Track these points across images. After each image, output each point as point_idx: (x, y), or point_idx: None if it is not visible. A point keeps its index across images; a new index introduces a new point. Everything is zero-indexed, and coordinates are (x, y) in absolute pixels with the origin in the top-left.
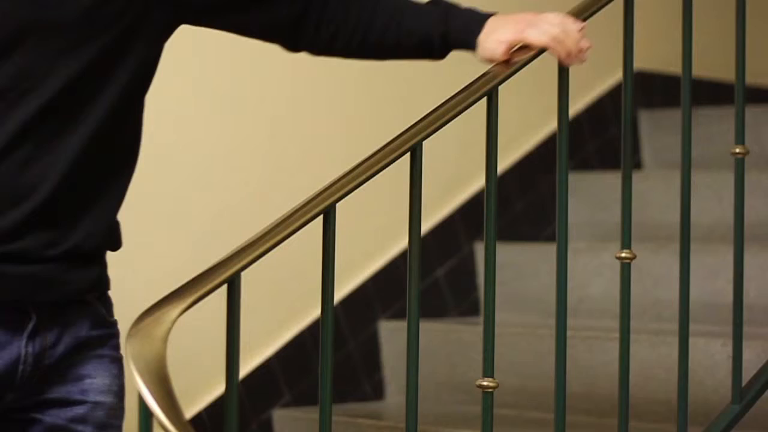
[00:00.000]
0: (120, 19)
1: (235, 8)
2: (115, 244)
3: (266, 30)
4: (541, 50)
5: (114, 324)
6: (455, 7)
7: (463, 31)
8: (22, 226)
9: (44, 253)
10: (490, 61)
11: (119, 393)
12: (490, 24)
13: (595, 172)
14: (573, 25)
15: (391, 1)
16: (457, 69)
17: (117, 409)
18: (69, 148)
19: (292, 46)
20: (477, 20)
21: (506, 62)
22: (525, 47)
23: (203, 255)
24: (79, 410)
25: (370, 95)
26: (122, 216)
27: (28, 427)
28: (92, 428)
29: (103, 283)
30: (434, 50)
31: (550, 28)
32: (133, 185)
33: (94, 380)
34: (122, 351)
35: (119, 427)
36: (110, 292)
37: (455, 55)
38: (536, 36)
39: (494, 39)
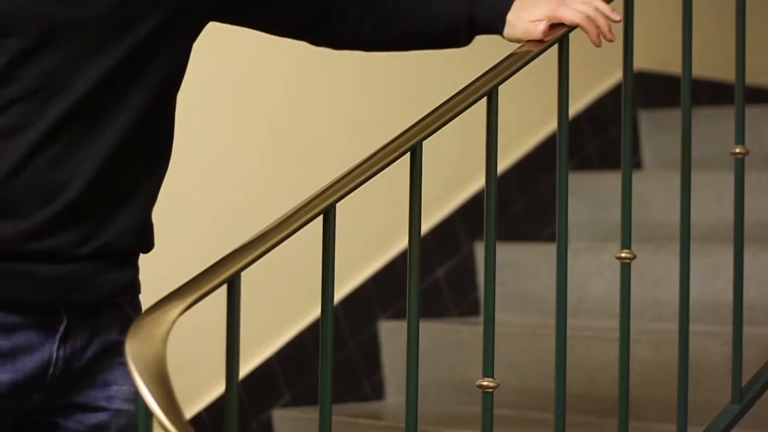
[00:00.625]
0: (147, 17)
1: (260, 5)
2: (148, 245)
3: (293, 26)
4: (572, 29)
5: None
6: None
7: (491, 11)
8: (54, 223)
9: (76, 251)
10: (521, 40)
11: None
12: (518, 4)
13: (595, 172)
14: (602, 3)
15: None
16: (457, 69)
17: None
18: (100, 146)
19: (318, 40)
20: (505, 2)
21: (540, 41)
22: (555, 26)
23: (203, 255)
24: (102, 417)
25: (370, 95)
26: None
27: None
28: None
29: (135, 286)
30: (461, 34)
31: (582, 6)
32: None
33: (121, 387)
34: None
35: None
36: None
37: (455, 55)
38: (570, 14)
39: (526, 18)
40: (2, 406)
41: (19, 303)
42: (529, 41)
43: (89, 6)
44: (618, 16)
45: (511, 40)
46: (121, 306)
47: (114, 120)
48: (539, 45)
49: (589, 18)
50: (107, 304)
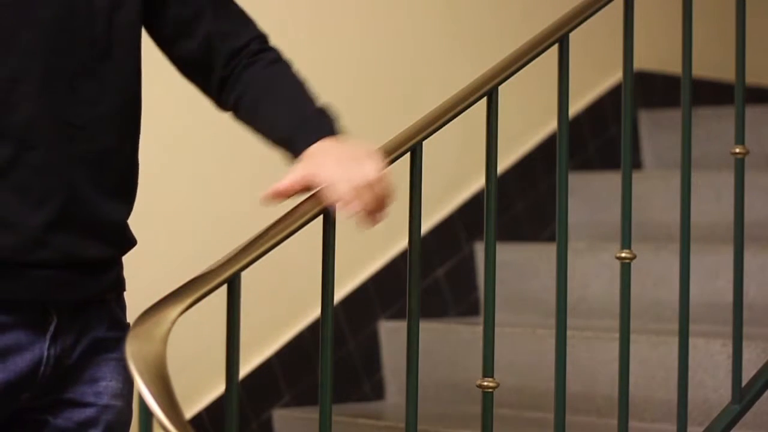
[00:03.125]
0: (104, 12)
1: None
2: (131, 242)
3: (184, 68)
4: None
5: (128, 327)
6: (313, 120)
7: (298, 148)
8: (41, 234)
9: (66, 260)
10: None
11: (129, 397)
12: (319, 146)
13: (595, 172)
14: (371, 192)
15: (271, 90)
16: (457, 69)
17: (126, 413)
18: (80, 150)
19: (207, 85)
20: (306, 143)
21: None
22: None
23: (203, 255)
24: (90, 412)
25: (370, 95)
26: None
27: (39, 429)
28: (101, 431)
29: (121, 283)
30: (281, 148)
31: (348, 186)
32: None
33: (110, 383)
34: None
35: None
36: None
37: (456, 55)
38: (336, 195)
39: (298, 164)
40: None
41: (8, 303)
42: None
43: (46, 7)
44: (383, 206)
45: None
46: (107, 303)
47: (90, 123)
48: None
49: (349, 197)
50: (95, 301)
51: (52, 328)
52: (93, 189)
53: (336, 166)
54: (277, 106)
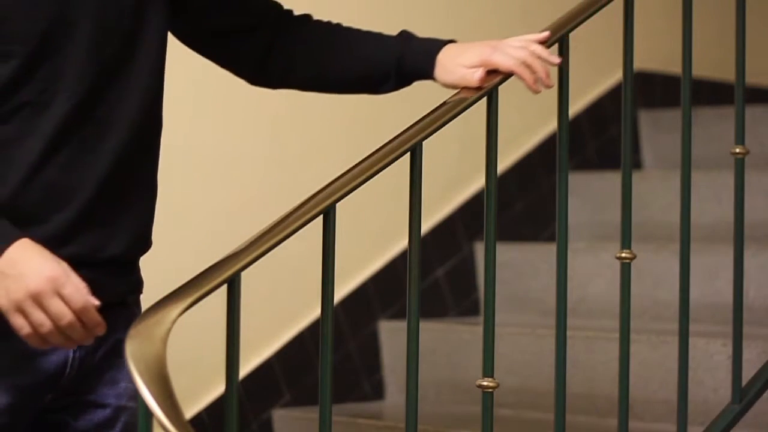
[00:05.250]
0: (128, 10)
1: (210, 8)
2: (149, 244)
3: (231, 60)
4: (508, 75)
5: None
6: (413, 35)
7: (421, 54)
8: (72, 229)
9: (93, 256)
10: (457, 86)
11: None
12: (451, 48)
13: (595, 172)
14: (539, 47)
15: (349, 32)
16: None
17: None
18: (107, 148)
19: (253, 79)
20: (436, 44)
21: (477, 89)
22: (491, 73)
23: (203, 255)
24: (109, 413)
25: (369, 95)
26: None
27: (59, 431)
28: None
29: (141, 285)
30: (390, 76)
31: (515, 51)
32: None
33: (129, 385)
34: None
35: None
36: None
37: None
38: (505, 61)
39: (459, 63)
40: (22, 409)
41: None
42: (465, 88)
43: (81, 5)
44: (557, 59)
45: (445, 86)
46: (128, 306)
47: (118, 120)
48: (476, 92)
49: (525, 64)
50: (116, 303)
51: None
52: (118, 187)
53: (499, 50)
54: (367, 43)
